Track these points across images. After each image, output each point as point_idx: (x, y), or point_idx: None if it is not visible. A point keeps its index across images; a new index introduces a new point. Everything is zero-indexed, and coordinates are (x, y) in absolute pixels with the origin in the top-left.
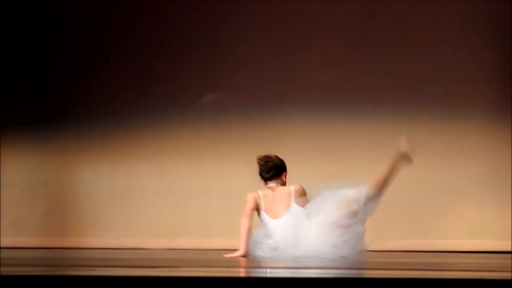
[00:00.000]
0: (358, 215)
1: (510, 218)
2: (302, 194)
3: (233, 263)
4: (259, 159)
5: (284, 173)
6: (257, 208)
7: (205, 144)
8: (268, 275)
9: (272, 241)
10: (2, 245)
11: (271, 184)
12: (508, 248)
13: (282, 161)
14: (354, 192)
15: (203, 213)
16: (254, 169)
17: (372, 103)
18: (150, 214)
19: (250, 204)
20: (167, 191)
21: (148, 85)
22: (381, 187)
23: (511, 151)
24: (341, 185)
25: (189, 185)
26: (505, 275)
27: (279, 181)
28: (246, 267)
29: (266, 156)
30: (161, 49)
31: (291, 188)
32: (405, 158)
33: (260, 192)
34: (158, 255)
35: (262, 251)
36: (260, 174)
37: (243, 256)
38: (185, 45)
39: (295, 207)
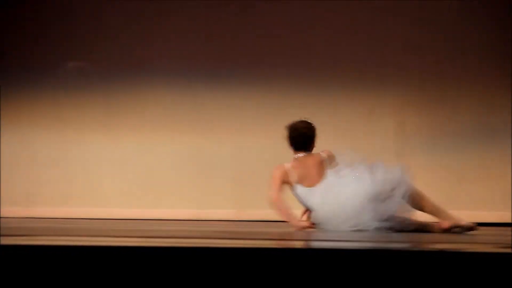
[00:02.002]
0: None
1: None
2: (333, 160)
3: (94, 233)
4: (288, 128)
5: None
6: (287, 183)
7: (65, 112)
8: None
9: (314, 212)
10: None
11: (300, 154)
12: None
13: (311, 130)
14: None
15: (62, 182)
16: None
17: (229, 71)
18: (6, 182)
19: (278, 181)
20: (25, 158)
21: (8, 51)
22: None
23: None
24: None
25: (48, 153)
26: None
27: (309, 150)
28: (112, 236)
29: (293, 127)
30: (22, 15)
31: (321, 155)
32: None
33: (287, 165)
34: (15, 224)
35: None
36: (289, 145)
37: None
38: (45, 10)
39: (331, 174)
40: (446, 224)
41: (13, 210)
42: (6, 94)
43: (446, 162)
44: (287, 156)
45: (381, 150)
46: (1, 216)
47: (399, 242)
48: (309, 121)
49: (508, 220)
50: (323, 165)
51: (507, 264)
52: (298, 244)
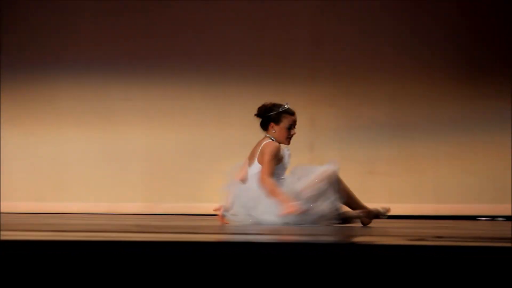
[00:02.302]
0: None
1: None
2: (264, 153)
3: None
4: None
5: (271, 124)
6: None
7: None
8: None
9: None
10: None
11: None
12: None
13: (267, 111)
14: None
15: None
16: None
17: (145, 67)
18: None
19: None
20: None
21: None
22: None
23: None
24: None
25: None
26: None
27: (269, 133)
28: (21, 230)
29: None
30: None
31: (262, 142)
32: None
33: None
34: None
35: None
36: None
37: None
38: None
39: (255, 164)
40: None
41: None
42: None
43: (357, 155)
44: (199, 149)
45: (293, 143)
46: None
47: (309, 235)
48: (267, 102)
49: (421, 212)
50: (254, 152)
51: (415, 256)
52: (208, 238)
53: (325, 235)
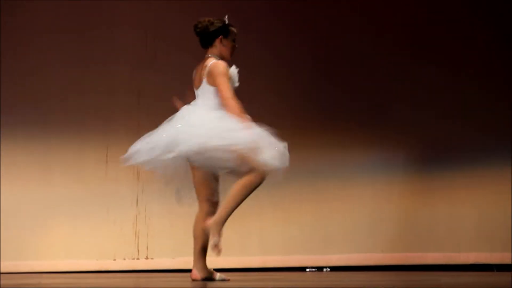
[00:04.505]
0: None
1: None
2: (215, 74)
3: None
4: None
5: (220, 38)
6: None
7: None
8: None
9: None
10: None
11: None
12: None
13: (213, 25)
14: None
15: None
16: None
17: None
18: None
19: None
20: None
21: None
22: None
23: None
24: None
25: None
26: None
27: (213, 50)
28: None
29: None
30: None
31: (207, 64)
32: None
33: None
34: None
35: None
36: None
37: None
38: None
39: (203, 86)
40: (198, 276)
41: None
42: None
43: (182, 208)
44: (23, 205)
45: (119, 197)
46: None
47: None
48: (204, 18)
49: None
50: (200, 76)
51: None
52: None
53: None
